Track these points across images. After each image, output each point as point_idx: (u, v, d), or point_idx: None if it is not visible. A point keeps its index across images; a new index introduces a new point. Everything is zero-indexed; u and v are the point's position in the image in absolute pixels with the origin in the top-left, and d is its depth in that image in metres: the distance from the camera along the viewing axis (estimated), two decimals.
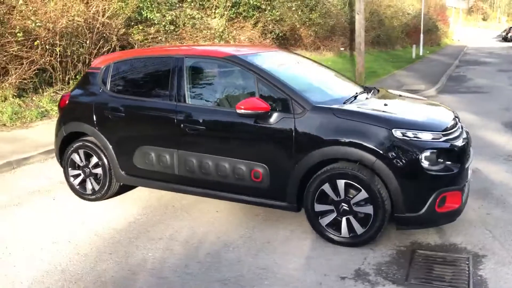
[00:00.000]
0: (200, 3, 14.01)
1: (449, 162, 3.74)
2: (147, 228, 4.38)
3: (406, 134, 3.68)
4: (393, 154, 3.64)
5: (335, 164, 3.86)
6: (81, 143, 4.95)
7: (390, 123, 3.73)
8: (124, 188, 5.19)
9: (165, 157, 4.47)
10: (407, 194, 3.66)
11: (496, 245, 3.87)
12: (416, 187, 3.67)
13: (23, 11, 9.28)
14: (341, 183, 3.81)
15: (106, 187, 4.91)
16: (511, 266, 3.54)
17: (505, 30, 53.08)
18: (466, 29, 60.60)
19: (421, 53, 25.16)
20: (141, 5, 12.04)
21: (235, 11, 14.81)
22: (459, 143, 3.90)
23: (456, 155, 3.80)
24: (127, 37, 11.65)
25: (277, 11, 16.12)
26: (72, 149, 5.01)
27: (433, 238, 4.03)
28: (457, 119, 4.26)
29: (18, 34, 8.89)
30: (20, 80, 9.21)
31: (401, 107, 4.36)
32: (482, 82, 14.69)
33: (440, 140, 3.75)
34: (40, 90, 9.61)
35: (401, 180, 3.64)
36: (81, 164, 5.01)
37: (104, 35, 10.80)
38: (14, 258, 3.88)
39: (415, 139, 3.68)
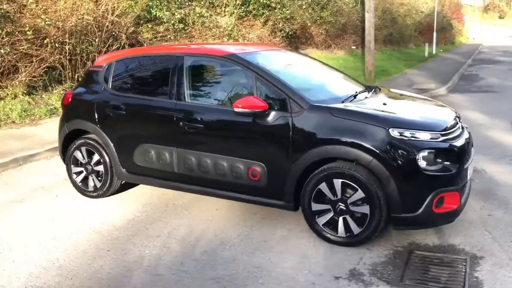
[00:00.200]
0: (210, 1, 14.02)
1: (447, 162, 3.70)
2: (146, 225, 4.41)
3: (403, 134, 3.64)
4: (390, 153, 3.61)
5: (332, 163, 3.84)
6: (83, 141, 5.00)
7: (387, 122, 3.70)
8: (126, 186, 5.23)
9: (164, 155, 4.49)
10: (404, 194, 3.63)
11: (495, 246, 3.82)
12: (413, 187, 3.63)
13: (33, 9, 9.39)
14: (338, 182, 3.79)
15: (107, 185, 4.95)
16: (508, 268, 3.49)
17: None
18: (482, 27, 59.72)
19: (434, 52, 24.89)
20: (150, 3, 12.10)
21: (245, 10, 14.80)
22: (459, 143, 3.85)
23: (455, 155, 3.76)
24: (136, 36, 11.72)
25: (287, 10, 16.07)
26: (74, 146, 5.06)
27: (431, 238, 3.99)
28: (457, 119, 4.21)
29: (28, 32, 9.00)
30: (30, 78, 9.33)
31: (400, 107, 4.32)
32: (494, 82, 14.49)
33: (439, 140, 3.71)
34: (50, 88, 9.72)
35: (398, 180, 3.61)
36: (83, 162, 5.06)
37: (113, 33, 10.88)
38: (13, 253, 3.93)
39: (413, 138, 3.64)
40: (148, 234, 4.23)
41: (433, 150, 3.65)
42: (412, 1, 29.22)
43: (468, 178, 3.99)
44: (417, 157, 3.59)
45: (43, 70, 9.49)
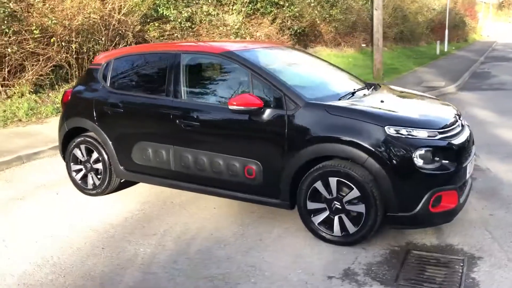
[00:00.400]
0: None
1: (445, 161, 3.63)
2: (143, 223, 4.40)
3: (399, 132, 3.58)
4: (386, 151, 3.55)
5: (328, 161, 3.79)
6: (82, 139, 5.01)
7: (383, 120, 3.64)
8: (126, 184, 5.23)
9: (161, 153, 4.48)
10: (400, 193, 3.57)
11: (494, 246, 3.73)
12: (409, 186, 3.57)
13: (40, 8, 9.45)
14: (333, 181, 3.74)
15: (106, 183, 4.96)
16: (507, 268, 3.41)
17: None
18: (496, 25, 58.96)
19: (445, 49, 24.63)
20: (157, 1, 12.12)
21: (252, 7, 14.75)
22: (458, 141, 3.77)
23: (454, 154, 3.69)
24: (143, 34, 11.75)
25: (296, 7, 15.99)
26: (74, 144, 5.07)
27: (429, 238, 3.92)
28: (457, 117, 4.12)
29: (35, 31, 9.07)
30: (37, 77, 9.40)
31: (398, 104, 4.25)
32: (506, 79, 14.28)
33: (436, 138, 3.64)
34: (57, 86, 9.78)
35: (394, 179, 3.55)
36: (82, 159, 5.07)
37: (120, 32, 10.93)
38: (10, 250, 3.95)
39: (409, 136, 3.58)
40: (144, 232, 4.22)
41: (430, 148, 3.58)
42: None
43: (468, 176, 3.91)
44: (413, 155, 3.52)
45: (50, 69, 9.56)
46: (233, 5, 14.15)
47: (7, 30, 8.74)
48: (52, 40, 9.50)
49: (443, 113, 4.12)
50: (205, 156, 4.24)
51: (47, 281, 3.45)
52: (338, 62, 17.58)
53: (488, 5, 54.92)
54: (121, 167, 4.82)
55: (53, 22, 9.39)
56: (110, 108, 4.76)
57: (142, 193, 5.14)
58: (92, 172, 5.04)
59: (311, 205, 3.88)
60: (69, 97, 5.16)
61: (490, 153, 6.27)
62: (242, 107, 3.89)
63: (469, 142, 4.04)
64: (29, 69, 9.27)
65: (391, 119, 3.67)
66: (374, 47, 13.48)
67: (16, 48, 8.89)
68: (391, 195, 3.58)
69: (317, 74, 4.87)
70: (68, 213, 4.70)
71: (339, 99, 4.05)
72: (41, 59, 9.38)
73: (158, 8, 12.20)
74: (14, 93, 9.01)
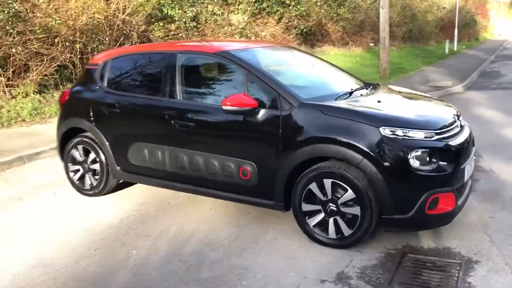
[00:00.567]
0: None
1: (443, 162, 3.55)
2: (138, 225, 4.37)
3: (395, 132, 3.51)
4: (380, 153, 3.48)
5: (322, 162, 3.73)
6: (80, 139, 5.00)
7: (378, 120, 3.57)
8: (124, 184, 5.21)
9: (157, 153, 4.45)
10: (395, 195, 3.49)
11: (493, 250, 3.65)
12: (405, 187, 3.50)
13: (44, 9, 9.47)
14: (328, 182, 3.68)
15: (103, 183, 4.94)
16: (504, 273, 3.33)
17: None
18: (508, 23, 58.28)
19: (455, 48, 24.38)
20: (162, 1, 12.11)
21: (258, 7, 14.70)
22: (456, 142, 3.69)
23: (451, 155, 3.61)
24: (147, 34, 11.76)
25: (302, 7, 15.90)
26: (71, 144, 5.06)
27: (427, 241, 3.84)
28: (457, 117, 4.04)
29: (38, 31, 9.10)
30: (41, 77, 9.44)
31: (396, 105, 4.17)
32: None
33: (433, 139, 3.56)
34: (61, 87, 9.81)
35: (389, 180, 3.48)
36: (80, 160, 5.06)
37: (125, 32, 10.95)
38: (4, 251, 3.94)
39: (405, 137, 3.51)
40: (138, 233, 4.20)
41: (427, 150, 3.51)
42: None
43: (466, 178, 3.83)
44: (409, 157, 3.45)
45: (54, 69, 9.60)
46: (238, 5, 14.11)
47: (11, 31, 8.78)
48: (56, 40, 9.54)
49: (442, 113, 4.04)
50: (200, 157, 4.20)
51: (38, 282, 3.44)
52: (346, 62, 17.49)
53: (499, 3, 54.31)
54: (118, 168, 4.80)
55: (57, 22, 9.41)
56: (106, 109, 4.74)
57: (140, 193, 5.12)
58: (89, 173, 5.03)
59: (306, 207, 3.82)
60: (67, 98, 5.16)
61: (495, 153, 6.16)
62: (236, 108, 3.84)
63: (468, 143, 3.96)
64: (34, 69, 9.31)
65: (386, 120, 3.60)
66: (380, 46, 13.37)
67: (20, 49, 8.93)
68: (386, 197, 3.51)
69: (316, 74, 4.81)
70: (65, 213, 4.69)
71: (336, 99, 3.99)
72: (45, 59, 9.42)
73: (162, 8, 12.20)
74: (19, 93, 9.06)
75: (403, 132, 3.52)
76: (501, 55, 23.39)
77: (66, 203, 4.95)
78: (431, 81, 12.96)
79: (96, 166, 4.96)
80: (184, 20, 12.29)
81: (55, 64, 9.59)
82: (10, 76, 9.09)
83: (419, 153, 3.48)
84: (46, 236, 4.19)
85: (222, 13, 13.18)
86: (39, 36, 9.23)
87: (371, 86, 4.64)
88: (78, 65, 10.03)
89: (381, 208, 3.56)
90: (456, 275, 3.33)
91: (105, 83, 4.86)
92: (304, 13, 16.25)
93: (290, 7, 15.46)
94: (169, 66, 4.42)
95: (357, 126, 3.56)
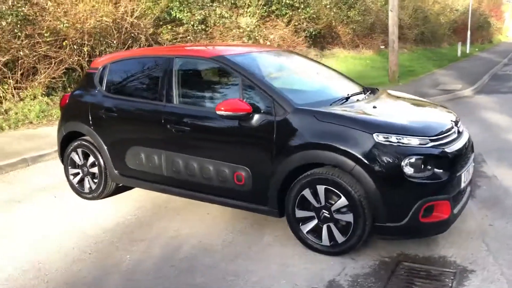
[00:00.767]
0: (232, 1, 13.98)
1: (438, 170, 3.49)
2: (133, 229, 4.38)
3: (388, 139, 3.46)
4: (373, 159, 3.44)
5: (316, 168, 3.69)
6: (79, 142, 5.03)
7: (371, 127, 3.52)
8: (124, 188, 5.23)
9: (153, 158, 4.45)
10: (388, 202, 3.45)
11: (489, 260, 3.57)
12: (398, 195, 3.45)
13: (52, 13, 9.56)
14: (321, 188, 3.65)
15: (102, 187, 4.96)
16: (498, 283, 3.26)
17: None
18: None
19: (468, 51, 24.10)
20: (170, 4, 12.16)
21: (267, 10, 14.69)
22: (452, 149, 3.63)
23: (447, 162, 3.55)
24: (156, 37, 11.81)
25: (312, 9, 15.85)
26: (71, 148, 5.10)
27: (423, 249, 3.78)
28: (454, 123, 3.97)
29: (45, 34, 9.19)
30: (49, 79, 9.54)
31: (391, 110, 4.11)
32: None
33: (428, 145, 3.51)
34: (69, 89, 9.86)
35: (381, 188, 3.43)
36: (79, 163, 5.09)
37: (133, 35, 11.01)
38: (0, 254, 3.97)
39: (399, 144, 3.46)
40: (133, 237, 4.20)
41: (421, 157, 3.45)
42: None
43: (463, 185, 3.76)
44: (402, 164, 3.40)
45: (62, 72, 9.69)
46: (247, 8, 14.12)
47: (19, 34, 8.88)
48: (64, 43, 9.62)
49: (438, 119, 3.98)
50: (196, 162, 4.19)
51: (29, 286, 3.45)
52: (355, 64, 17.39)
53: None
54: (116, 172, 4.81)
55: (65, 25, 9.50)
56: (105, 113, 4.76)
57: (138, 197, 5.13)
58: (88, 176, 5.05)
59: (299, 213, 3.79)
60: (67, 101, 5.19)
61: (500, 159, 6.06)
62: (230, 113, 3.83)
63: (466, 149, 3.90)
64: (42, 72, 9.41)
65: (380, 126, 3.55)
66: (389, 49, 13.27)
67: (27, 52, 9.02)
68: (379, 204, 3.46)
69: (313, 79, 4.78)
70: (63, 216, 4.72)
71: (331, 105, 3.95)
72: (53, 62, 9.52)
73: (171, 11, 12.24)
74: (27, 95, 9.15)
75: (397, 138, 3.47)
76: None
77: (65, 206, 4.98)
78: (441, 84, 12.81)
79: (95, 170, 4.98)
80: (192, 23, 12.31)
81: (63, 67, 9.68)
82: (19, 79, 9.19)
83: (413, 160, 3.43)
84: (42, 239, 4.21)
85: (231, 16, 13.18)
86: (48, 39, 9.32)
87: (370, 91, 4.59)
88: (86, 68, 10.09)
89: (374, 215, 3.51)
90: (450, 284, 3.27)
91: (104, 87, 4.89)
92: (314, 16, 16.19)
93: (299, 10, 15.41)
94: (166, 70, 4.42)
95: (350, 132, 3.53)
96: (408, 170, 3.42)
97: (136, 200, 5.06)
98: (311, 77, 4.81)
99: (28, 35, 9.11)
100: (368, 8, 19.76)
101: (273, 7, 14.89)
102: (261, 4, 14.30)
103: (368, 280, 3.38)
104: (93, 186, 5.02)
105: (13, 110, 8.76)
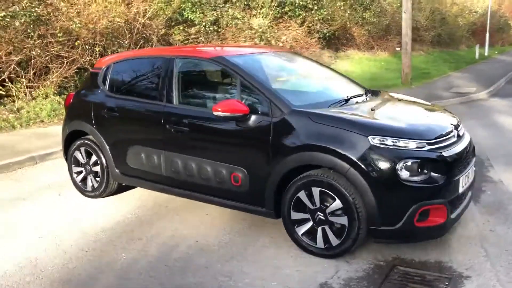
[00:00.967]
0: (245, 3, 14.00)
1: (435, 174, 3.44)
2: (132, 228, 4.40)
3: (384, 142, 3.42)
4: (368, 162, 3.40)
5: (312, 170, 3.67)
6: (82, 141, 5.08)
7: (367, 129, 3.49)
8: (126, 187, 5.26)
9: (153, 157, 4.48)
10: (383, 206, 3.41)
11: (486, 266, 3.51)
12: (393, 198, 3.41)
13: (65, 13, 9.69)
14: (316, 191, 3.62)
15: (104, 185, 5.01)
16: None
17: None
18: None
19: (486, 53, 23.70)
20: (183, 5, 12.22)
21: (280, 11, 14.67)
22: (450, 153, 3.57)
23: (444, 166, 3.49)
24: (167, 38, 11.88)
25: (325, 11, 15.78)
26: (75, 146, 5.16)
27: (419, 253, 3.73)
28: (454, 127, 3.90)
29: (58, 34, 9.32)
30: (61, 79, 9.67)
31: (390, 113, 4.06)
32: None
33: (424, 149, 3.46)
34: None
35: (376, 191, 3.40)
36: (83, 162, 5.14)
37: (144, 35, 11.10)
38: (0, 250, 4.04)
39: (394, 147, 3.42)
40: (131, 236, 4.22)
41: (417, 160, 3.41)
42: (465, 0, 28.01)
43: (462, 190, 3.69)
44: (397, 167, 3.36)
45: (74, 71, 9.81)
46: (260, 9, 14.12)
47: (32, 34, 9.02)
48: (76, 43, 9.74)
49: (438, 122, 3.92)
50: (194, 162, 4.20)
51: (24, 283, 3.49)
52: (370, 66, 17.26)
53: None
54: (117, 171, 4.85)
55: (77, 25, 9.62)
56: (107, 112, 4.80)
57: (139, 196, 5.16)
58: (91, 175, 5.11)
59: (295, 215, 3.77)
60: (71, 100, 5.26)
61: (508, 164, 5.95)
62: (227, 114, 3.83)
63: (467, 153, 3.84)
64: (54, 72, 9.54)
65: (375, 129, 3.51)
66: (402, 51, 13.13)
67: (40, 51, 9.15)
68: (373, 208, 3.43)
69: (314, 80, 4.76)
70: (65, 214, 4.77)
71: (329, 107, 3.93)
72: (65, 61, 9.65)
73: (183, 12, 12.31)
74: (39, 94, 9.29)
75: (392, 141, 3.43)
76: None
77: (68, 204, 5.03)
78: (455, 87, 12.63)
79: (97, 169, 5.03)
80: (204, 24, 12.36)
81: (75, 67, 9.80)
82: (31, 78, 9.34)
83: (409, 163, 3.39)
84: (42, 236, 4.26)
85: (243, 17, 13.19)
86: (60, 39, 9.45)
87: (371, 93, 4.54)
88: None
89: (369, 218, 3.48)
90: None
91: (107, 87, 4.93)
92: (328, 17, 16.11)
93: (312, 12, 15.35)
94: (167, 71, 4.44)
95: (345, 134, 3.50)
96: (404, 174, 3.37)
97: (137, 199, 5.10)
98: (311, 79, 4.78)
99: (41, 35, 9.24)
100: (383, 9, 19.59)
101: (286, 8, 14.86)
102: (274, 5, 14.29)
103: (361, 284, 3.34)
104: (96, 185, 5.07)
105: (25, 109, 8.90)
